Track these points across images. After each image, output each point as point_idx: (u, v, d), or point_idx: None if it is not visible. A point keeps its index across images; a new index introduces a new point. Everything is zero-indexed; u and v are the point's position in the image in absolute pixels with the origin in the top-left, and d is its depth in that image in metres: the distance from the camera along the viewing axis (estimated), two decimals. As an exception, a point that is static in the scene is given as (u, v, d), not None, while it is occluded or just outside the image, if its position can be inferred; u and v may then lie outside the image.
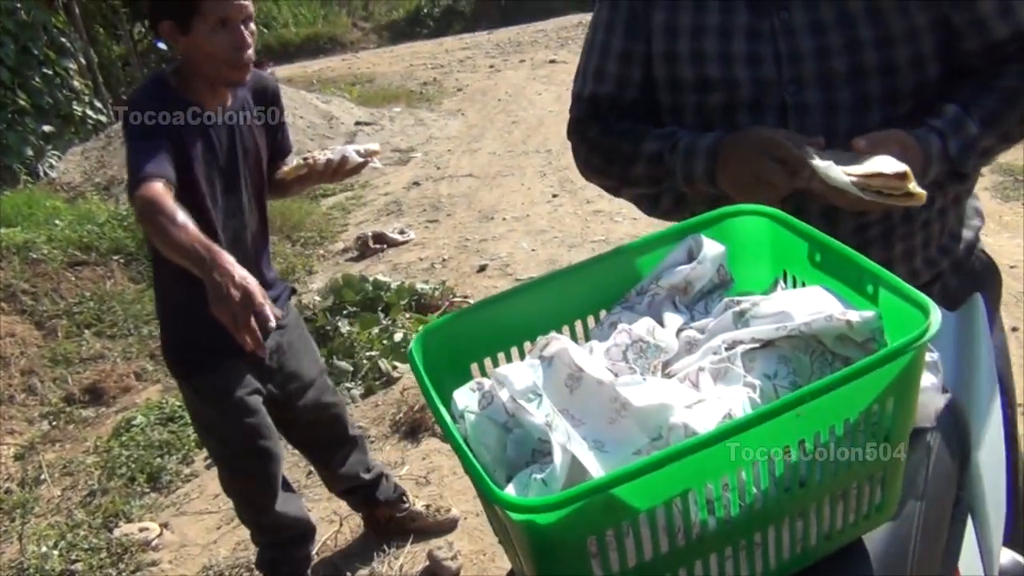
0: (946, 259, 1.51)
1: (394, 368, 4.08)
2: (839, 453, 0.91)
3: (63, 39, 8.77)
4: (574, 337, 1.14)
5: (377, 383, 3.99)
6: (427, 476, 3.26)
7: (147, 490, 3.51)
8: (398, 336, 4.27)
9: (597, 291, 1.14)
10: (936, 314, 0.88)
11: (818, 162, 1.21)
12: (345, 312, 4.57)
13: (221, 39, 2.03)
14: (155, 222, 1.88)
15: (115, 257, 5.64)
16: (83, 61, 9.27)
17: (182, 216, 1.87)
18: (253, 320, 1.77)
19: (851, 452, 0.92)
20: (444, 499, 3.08)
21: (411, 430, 3.56)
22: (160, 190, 1.91)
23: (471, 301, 4.72)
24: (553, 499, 0.78)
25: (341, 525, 3.03)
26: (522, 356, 1.12)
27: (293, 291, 2.57)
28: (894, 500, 1.01)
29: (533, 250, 5.42)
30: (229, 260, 1.79)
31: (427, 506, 2.94)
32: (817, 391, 0.84)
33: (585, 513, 0.80)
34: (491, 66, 13.68)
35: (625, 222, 5.59)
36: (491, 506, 0.91)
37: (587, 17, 13.12)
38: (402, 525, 2.86)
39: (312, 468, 3.43)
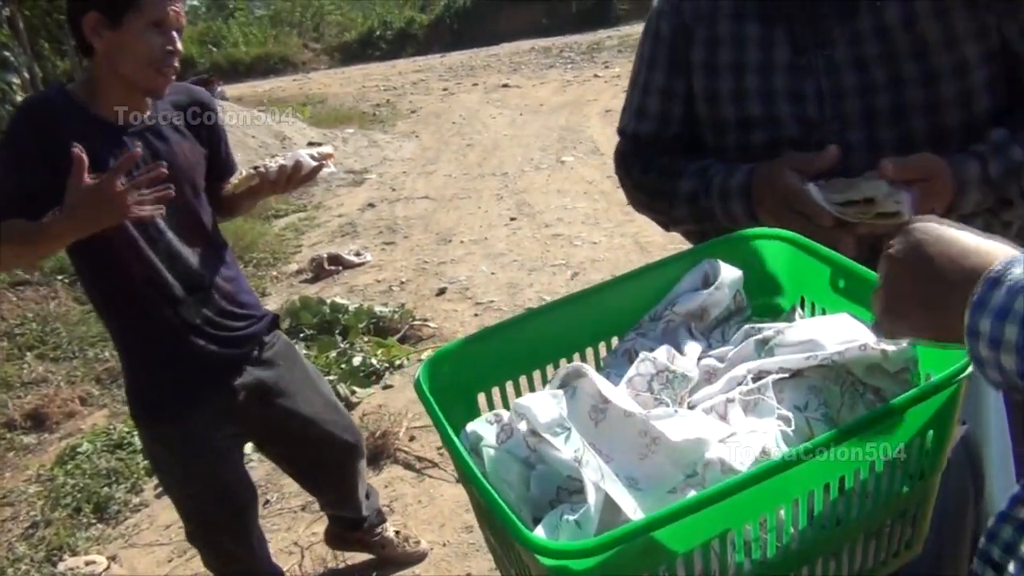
0: None
1: (353, 393, 3.98)
2: (877, 489, 0.87)
3: (6, 53, 8.52)
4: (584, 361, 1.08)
5: (336, 408, 3.88)
6: (390, 505, 3.15)
7: (93, 521, 3.35)
8: (357, 360, 4.18)
9: (609, 317, 1.08)
10: (978, 343, 0.84)
11: (809, 186, 1.21)
12: (302, 335, 4.46)
13: (153, 39, 1.89)
14: (16, 258, 1.94)
15: (59, 277, 5.45)
16: (27, 76, 9.01)
17: (14, 230, 1.83)
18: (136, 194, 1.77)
19: (888, 487, 0.88)
20: (408, 528, 2.98)
21: (372, 457, 3.45)
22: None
23: (431, 325, 4.64)
24: (591, 544, 0.72)
25: (303, 557, 2.91)
26: (531, 385, 1.07)
27: (276, 319, 2.36)
28: (923, 536, 0.97)
29: (493, 273, 5.36)
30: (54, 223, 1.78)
31: (397, 533, 2.83)
32: (862, 425, 0.79)
33: (622, 557, 0.74)
34: (444, 89, 13.68)
35: (585, 246, 5.56)
36: (509, 546, 0.85)
37: (539, 42, 13.25)
38: (370, 549, 2.76)
39: (269, 497, 3.33)
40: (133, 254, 1.98)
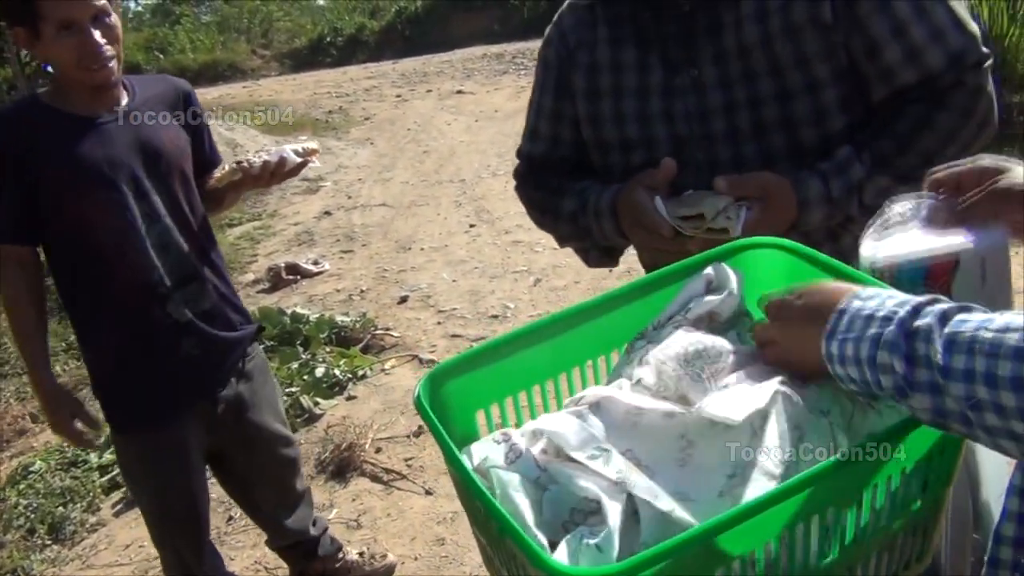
0: None
1: (316, 404, 3.91)
2: (893, 502, 0.86)
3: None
4: (584, 377, 1.06)
5: (299, 421, 3.80)
6: (358, 519, 3.10)
7: (48, 542, 3.24)
8: (319, 371, 4.11)
9: (609, 330, 1.06)
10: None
11: (656, 200, 1.31)
12: (263, 347, 4.37)
13: (67, 42, 1.87)
14: (3, 303, 2.06)
15: (6, 290, 5.28)
16: (-33, 83, 8.76)
17: (23, 308, 1.99)
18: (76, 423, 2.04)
19: (903, 500, 0.87)
20: (378, 543, 2.93)
21: (338, 470, 3.39)
22: (11, 271, 1.97)
23: (394, 334, 4.59)
24: (614, 569, 0.69)
25: (269, 576, 2.85)
26: (531, 401, 1.03)
27: (260, 330, 2.33)
28: (933, 548, 0.96)
29: (454, 281, 5.31)
30: (46, 381, 2.02)
31: (361, 554, 2.76)
32: (894, 432, 0.77)
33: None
34: (398, 96, 13.58)
35: (546, 252, 5.54)
36: (520, 567, 0.81)
37: (492, 49, 13.16)
38: (338, 579, 2.69)
39: (233, 513, 3.24)
40: (124, 245, 1.96)
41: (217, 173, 2.10)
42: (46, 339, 2.05)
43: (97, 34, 1.88)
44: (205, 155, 2.21)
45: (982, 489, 1.21)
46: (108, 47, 1.91)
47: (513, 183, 1.71)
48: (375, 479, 3.32)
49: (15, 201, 1.92)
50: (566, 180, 1.54)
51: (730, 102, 1.35)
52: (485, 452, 0.86)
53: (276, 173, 2.08)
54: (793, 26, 1.30)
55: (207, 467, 2.37)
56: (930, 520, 0.92)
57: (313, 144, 2.19)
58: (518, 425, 1.01)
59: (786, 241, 1.07)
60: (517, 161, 1.70)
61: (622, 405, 0.85)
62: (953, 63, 1.28)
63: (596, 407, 0.86)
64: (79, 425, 2.04)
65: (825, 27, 1.29)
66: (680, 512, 0.76)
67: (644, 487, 0.77)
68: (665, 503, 0.76)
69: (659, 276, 1.09)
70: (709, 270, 1.04)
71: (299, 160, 2.10)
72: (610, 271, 5.01)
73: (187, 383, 2.10)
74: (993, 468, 1.26)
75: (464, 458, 0.86)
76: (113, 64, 1.94)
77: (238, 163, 2.06)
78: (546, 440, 0.82)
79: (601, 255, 1.62)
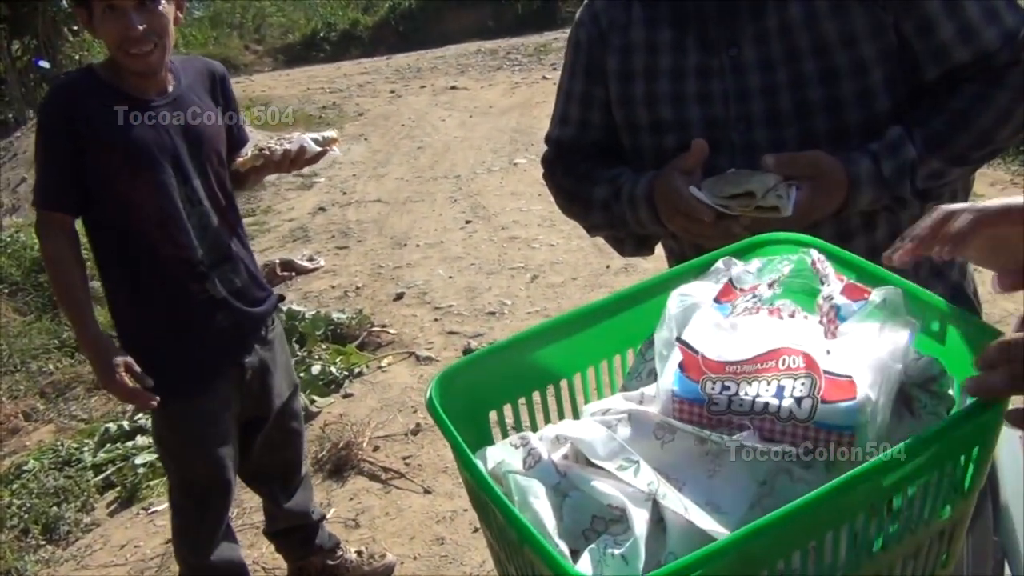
0: (940, 284, 1.44)
1: (312, 402, 3.88)
2: (922, 509, 0.83)
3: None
4: (599, 376, 1.03)
5: (295, 419, 3.77)
6: (356, 518, 3.07)
7: (43, 543, 3.22)
8: (316, 368, 4.08)
9: (624, 328, 1.03)
10: None
11: (693, 189, 1.27)
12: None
13: (109, 26, 1.97)
14: (47, 265, 2.15)
15: (-2, 287, 5.24)
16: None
17: (67, 267, 2.05)
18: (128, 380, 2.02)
19: (932, 507, 0.84)
20: (377, 542, 2.91)
21: (336, 468, 3.36)
22: (54, 235, 2.05)
23: (391, 331, 4.56)
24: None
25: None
26: (544, 402, 1.01)
27: (281, 299, 2.45)
28: (957, 554, 0.94)
29: (450, 277, 5.28)
30: (94, 336, 2.04)
31: (359, 553, 2.74)
32: (932, 439, 0.75)
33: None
34: (392, 91, 13.51)
35: (543, 248, 5.51)
36: (524, 570, 0.79)
37: (486, 44, 13.08)
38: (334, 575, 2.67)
39: (229, 513, 3.20)
40: (168, 225, 2.06)
41: (241, 157, 2.19)
42: (90, 298, 2.11)
43: (138, 20, 1.95)
44: (235, 135, 2.29)
45: (1002, 491, 1.19)
46: (150, 34, 1.98)
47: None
48: (373, 478, 3.30)
49: (64, 171, 2.01)
50: (596, 166, 1.52)
51: (771, 83, 1.32)
52: (501, 456, 0.83)
53: (296, 161, 2.18)
54: (841, 4, 1.29)
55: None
56: (956, 526, 0.89)
57: (333, 133, 2.28)
58: (532, 427, 0.98)
59: (804, 236, 1.04)
60: (545, 147, 1.66)
61: (654, 419, 0.82)
62: (1009, 41, 1.27)
63: (626, 419, 0.83)
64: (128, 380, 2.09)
65: (874, 4, 1.28)
66: (712, 524, 0.73)
67: (674, 499, 0.74)
68: (696, 516, 0.73)
69: (673, 274, 1.06)
70: (720, 264, 1.01)
71: (319, 149, 2.19)
72: (607, 267, 4.99)
73: (217, 353, 2.19)
74: (1013, 470, 1.24)
75: (479, 463, 0.83)
76: (155, 52, 2.01)
77: (260, 150, 2.15)
78: (569, 447, 0.79)
79: (636, 244, 1.59)
